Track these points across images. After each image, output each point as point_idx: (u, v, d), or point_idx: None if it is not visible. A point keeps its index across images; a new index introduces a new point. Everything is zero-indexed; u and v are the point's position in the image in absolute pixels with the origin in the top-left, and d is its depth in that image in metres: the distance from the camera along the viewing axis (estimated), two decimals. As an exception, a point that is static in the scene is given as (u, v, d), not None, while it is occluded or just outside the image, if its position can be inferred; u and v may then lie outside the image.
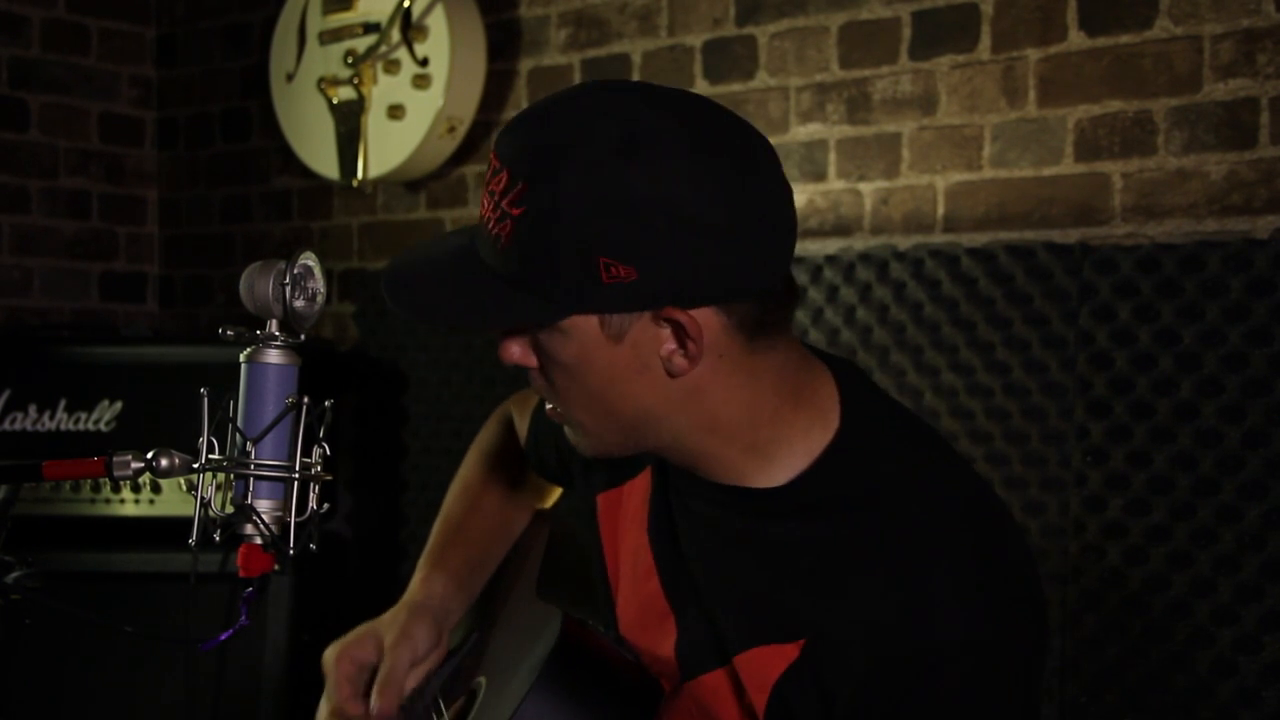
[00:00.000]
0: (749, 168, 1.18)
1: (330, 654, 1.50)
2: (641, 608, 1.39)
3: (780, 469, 1.25)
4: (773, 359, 1.23)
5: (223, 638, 1.21)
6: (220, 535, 1.15)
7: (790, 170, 2.60)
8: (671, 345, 1.18)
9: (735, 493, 1.27)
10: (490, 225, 1.18)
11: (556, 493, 1.70)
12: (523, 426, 1.66)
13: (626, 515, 1.43)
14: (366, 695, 1.50)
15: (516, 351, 1.24)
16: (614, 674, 1.38)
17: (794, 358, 1.27)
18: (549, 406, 1.28)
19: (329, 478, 1.19)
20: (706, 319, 1.18)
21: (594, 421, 1.25)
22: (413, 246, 1.31)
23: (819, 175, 2.58)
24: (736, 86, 2.69)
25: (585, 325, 1.17)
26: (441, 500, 1.70)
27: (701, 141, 1.16)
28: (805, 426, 1.25)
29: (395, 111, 2.97)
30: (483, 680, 1.47)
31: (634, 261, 1.13)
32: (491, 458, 1.69)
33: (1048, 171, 2.34)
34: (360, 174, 3.04)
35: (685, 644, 1.34)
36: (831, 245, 2.53)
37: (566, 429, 1.30)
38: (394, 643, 1.49)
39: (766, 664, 1.24)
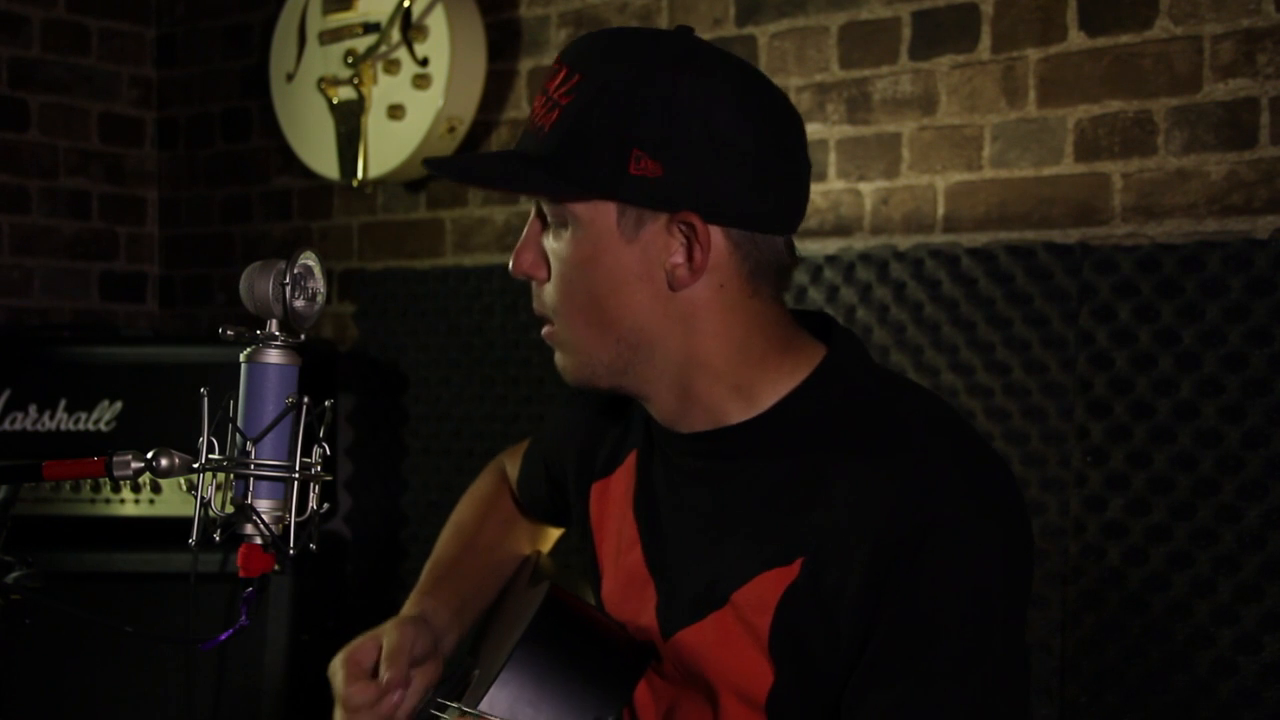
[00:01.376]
0: (783, 123, 1.28)
1: (336, 660, 1.51)
2: (624, 580, 1.43)
3: (762, 405, 1.30)
4: (768, 309, 1.31)
5: (223, 638, 1.21)
6: (220, 535, 1.15)
7: (790, 170, 2.59)
8: (679, 257, 1.26)
9: (717, 435, 1.32)
10: (537, 119, 1.27)
11: (549, 543, 1.72)
12: (514, 471, 1.71)
13: (613, 499, 1.47)
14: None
15: (528, 260, 1.31)
16: (601, 632, 1.40)
17: (786, 318, 1.34)
18: (545, 330, 1.34)
19: (329, 478, 1.19)
20: (716, 239, 1.26)
21: (589, 335, 1.30)
22: None
23: (819, 175, 2.58)
24: (736, 86, 2.69)
25: (603, 219, 1.25)
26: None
27: (749, 84, 1.27)
28: (790, 369, 1.31)
29: (395, 111, 2.97)
30: (477, 672, 1.48)
31: (663, 159, 1.22)
32: (484, 502, 1.72)
33: (1048, 171, 2.34)
34: (360, 174, 3.03)
35: (665, 603, 1.37)
36: (831, 245, 2.53)
37: (557, 356, 1.35)
38: (395, 626, 1.50)
39: (767, 589, 1.27)
